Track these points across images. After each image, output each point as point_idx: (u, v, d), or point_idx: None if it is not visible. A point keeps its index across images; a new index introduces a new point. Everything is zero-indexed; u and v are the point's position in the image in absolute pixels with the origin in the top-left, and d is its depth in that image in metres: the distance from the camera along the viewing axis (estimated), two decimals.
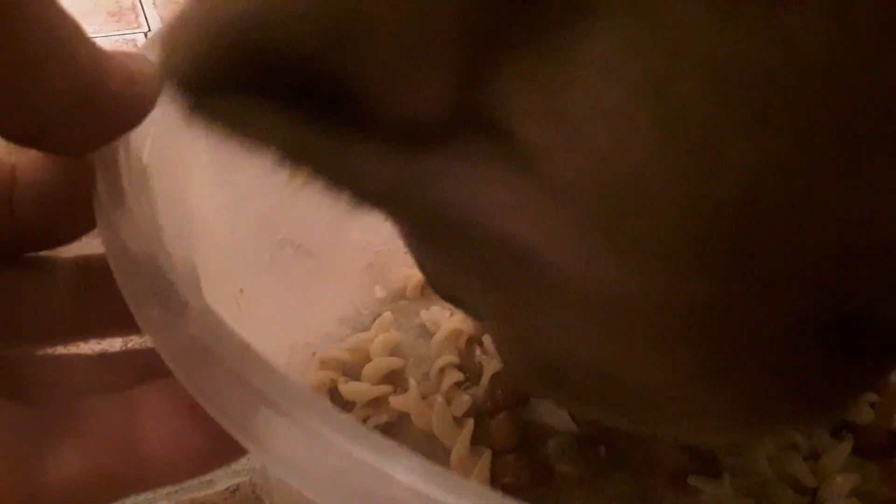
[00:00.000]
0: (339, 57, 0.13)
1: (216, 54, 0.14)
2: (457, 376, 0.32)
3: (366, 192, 0.15)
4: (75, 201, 0.20)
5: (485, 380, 0.32)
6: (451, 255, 0.18)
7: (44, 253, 0.21)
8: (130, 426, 0.16)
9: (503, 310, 0.19)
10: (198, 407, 0.16)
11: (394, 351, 0.33)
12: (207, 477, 0.31)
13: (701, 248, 0.13)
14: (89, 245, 0.21)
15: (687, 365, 0.16)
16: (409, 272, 0.37)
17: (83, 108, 0.17)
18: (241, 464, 0.31)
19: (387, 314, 0.35)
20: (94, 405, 0.17)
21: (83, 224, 0.21)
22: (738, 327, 0.15)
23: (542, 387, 0.21)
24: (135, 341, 0.30)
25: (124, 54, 0.19)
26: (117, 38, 0.55)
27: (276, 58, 0.14)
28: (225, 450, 0.17)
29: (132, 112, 0.19)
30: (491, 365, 0.32)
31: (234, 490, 0.30)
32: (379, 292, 0.36)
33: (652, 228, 0.13)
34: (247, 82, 0.14)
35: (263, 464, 0.30)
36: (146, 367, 0.18)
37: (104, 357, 0.21)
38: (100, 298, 0.22)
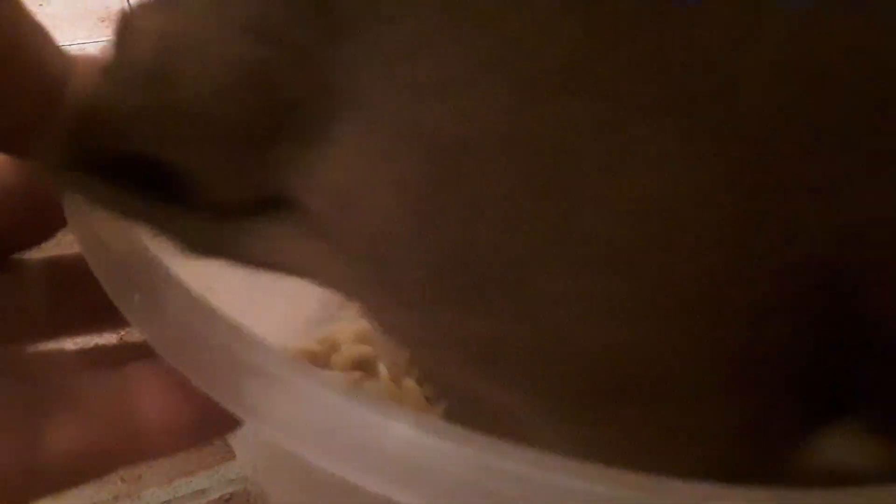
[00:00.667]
0: (159, 147, 0.17)
1: (69, 140, 0.18)
2: None
3: (192, 246, 0.18)
4: (43, 202, 0.20)
5: None
6: None
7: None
8: (124, 400, 0.17)
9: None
10: (188, 382, 0.17)
11: (363, 340, 0.34)
12: (201, 486, 0.31)
13: (463, 288, 0.15)
14: (59, 245, 0.22)
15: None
16: None
17: (50, 111, 0.18)
18: (235, 472, 0.32)
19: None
20: (88, 381, 0.17)
21: (52, 224, 0.21)
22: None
23: None
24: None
25: (87, 57, 0.19)
26: (108, 43, 0.54)
27: (112, 145, 0.17)
28: (218, 421, 0.17)
29: None
30: None
31: (228, 499, 0.31)
32: None
33: (408, 275, 0.16)
34: (92, 162, 0.18)
35: (254, 463, 0.30)
36: (130, 354, 0.19)
37: (86, 350, 0.21)
38: (72, 298, 0.22)
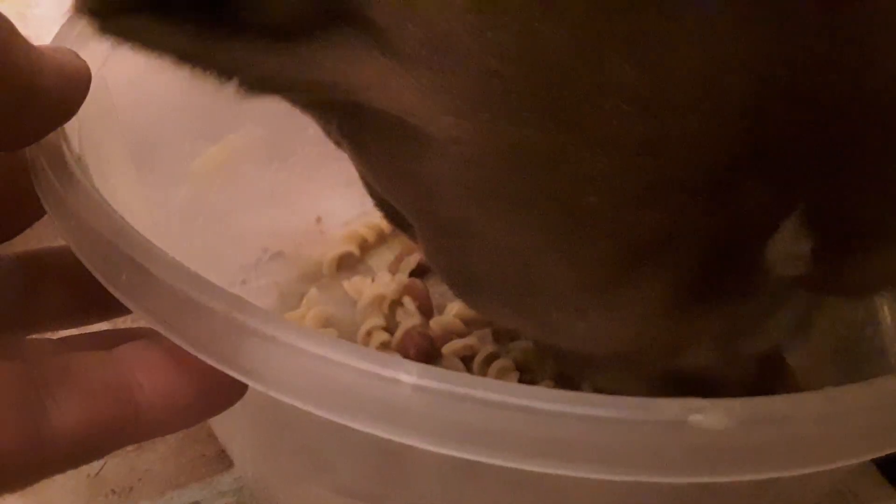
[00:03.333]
0: None
1: None
2: (383, 336, 0.34)
3: (251, 79, 0.18)
4: (17, 195, 0.20)
5: (398, 335, 0.34)
6: (365, 148, 0.20)
7: None
8: (124, 378, 0.17)
9: (413, 203, 0.21)
10: (186, 360, 0.17)
11: (325, 323, 0.35)
12: (194, 498, 0.31)
13: (521, 95, 0.16)
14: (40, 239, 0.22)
15: (537, 225, 0.18)
16: (322, 250, 0.38)
17: (19, 105, 0.18)
18: (228, 484, 0.32)
19: (312, 291, 0.36)
20: (86, 360, 0.17)
21: (26, 216, 0.21)
22: (574, 183, 0.16)
23: (464, 292, 0.23)
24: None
25: (53, 49, 0.19)
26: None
27: None
28: (216, 397, 0.18)
29: (66, 105, 0.19)
30: (407, 322, 0.34)
31: None
32: (297, 271, 0.37)
33: (470, 79, 0.16)
34: (141, 4, 0.17)
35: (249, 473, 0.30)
36: (120, 339, 0.19)
37: (75, 336, 0.21)
38: (47, 291, 0.22)
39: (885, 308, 0.27)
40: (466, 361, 0.34)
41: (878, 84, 0.15)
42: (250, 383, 0.16)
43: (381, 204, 0.24)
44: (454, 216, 0.19)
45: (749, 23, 0.14)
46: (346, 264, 0.38)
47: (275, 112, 0.21)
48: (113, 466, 0.32)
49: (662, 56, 0.15)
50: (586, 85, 0.15)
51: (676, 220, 0.17)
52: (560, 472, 0.15)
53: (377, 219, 0.37)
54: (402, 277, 0.36)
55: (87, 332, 0.21)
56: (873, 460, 0.32)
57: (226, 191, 0.32)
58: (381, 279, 0.36)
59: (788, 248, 0.17)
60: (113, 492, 0.31)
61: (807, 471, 0.15)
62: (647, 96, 0.15)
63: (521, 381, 0.33)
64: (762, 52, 0.15)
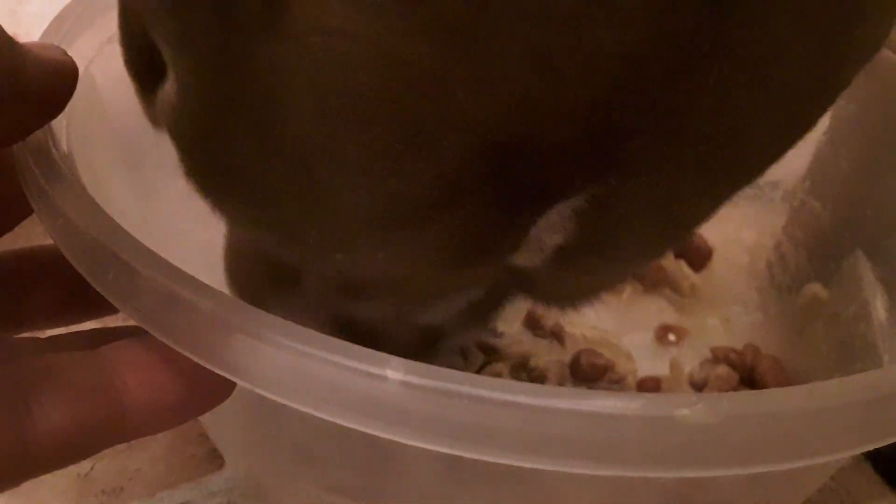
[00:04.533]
0: None
1: None
2: None
3: None
4: (3, 193, 0.20)
5: None
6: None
7: None
8: (110, 378, 0.17)
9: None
10: (172, 359, 0.17)
11: None
12: (184, 498, 0.31)
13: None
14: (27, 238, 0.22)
15: (365, 142, 0.16)
16: None
17: (5, 102, 0.18)
18: (218, 484, 0.31)
19: None
20: (72, 360, 0.17)
21: (13, 215, 0.21)
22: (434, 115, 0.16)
23: (213, 180, 0.20)
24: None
25: (40, 45, 0.19)
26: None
27: None
28: (204, 395, 0.18)
29: (53, 102, 0.19)
30: None
31: None
32: None
33: None
34: None
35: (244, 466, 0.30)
36: (105, 338, 0.19)
37: (60, 335, 0.21)
38: (33, 291, 0.22)
39: (878, 304, 0.27)
40: None
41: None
42: (237, 381, 0.16)
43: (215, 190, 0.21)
44: (275, 107, 0.17)
45: None
46: None
47: None
48: (103, 467, 0.32)
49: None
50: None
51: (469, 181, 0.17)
52: (547, 467, 0.15)
53: None
54: None
55: (75, 331, 0.21)
56: (866, 457, 0.32)
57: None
58: None
59: (541, 234, 0.18)
60: (103, 492, 0.31)
61: (794, 465, 0.15)
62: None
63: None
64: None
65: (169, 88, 0.18)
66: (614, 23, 0.14)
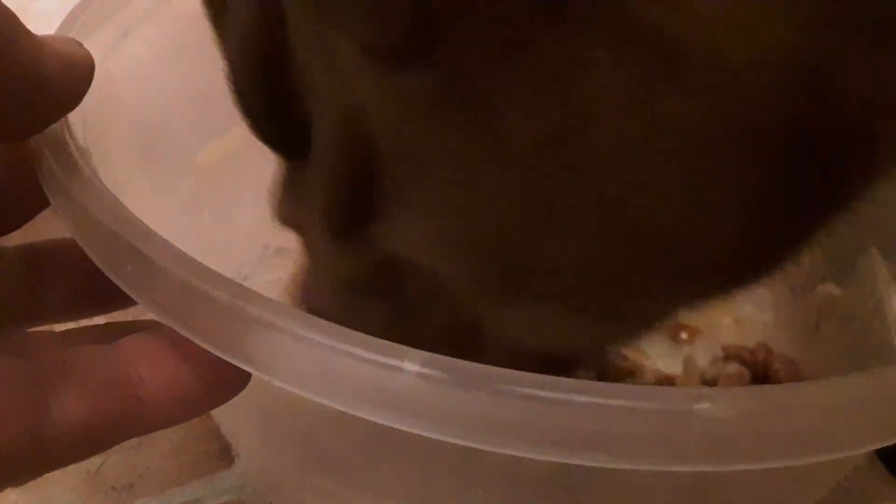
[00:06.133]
0: None
1: None
2: None
3: None
4: (19, 186, 0.20)
5: None
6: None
7: None
8: (126, 371, 0.17)
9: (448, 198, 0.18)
10: (187, 352, 0.17)
11: None
12: (194, 495, 0.31)
13: None
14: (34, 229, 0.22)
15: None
16: None
17: (23, 95, 0.18)
18: (229, 481, 0.31)
19: None
20: (87, 353, 0.17)
21: (29, 208, 0.21)
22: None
23: (498, 291, 0.20)
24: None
25: (56, 39, 0.19)
26: None
27: None
28: (220, 387, 0.18)
29: (69, 95, 0.19)
30: None
31: None
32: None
33: None
34: None
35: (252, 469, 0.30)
36: (119, 332, 0.19)
37: (75, 329, 0.21)
38: (48, 284, 0.22)
39: (893, 302, 0.27)
40: None
41: None
42: (254, 372, 0.16)
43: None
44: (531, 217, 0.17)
45: None
46: None
47: None
48: (113, 463, 0.32)
49: None
50: None
51: None
52: (565, 460, 0.15)
53: None
54: None
55: (90, 325, 0.21)
56: (880, 457, 0.32)
57: (230, 184, 0.32)
58: None
59: None
60: (113, 488, 0.31)
61: (812, 460, 0.15)
62: None
63: None
64: None
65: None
66: None
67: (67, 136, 0.20)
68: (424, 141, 0.17)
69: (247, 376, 0.18)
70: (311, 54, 0.18)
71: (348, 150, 0.18)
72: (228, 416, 0.26)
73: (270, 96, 0.19)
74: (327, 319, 0.16)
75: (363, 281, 0.21)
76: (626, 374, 0.32)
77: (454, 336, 0.20)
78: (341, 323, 0.16)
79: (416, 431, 0.15)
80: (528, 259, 0.18)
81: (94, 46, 0.20)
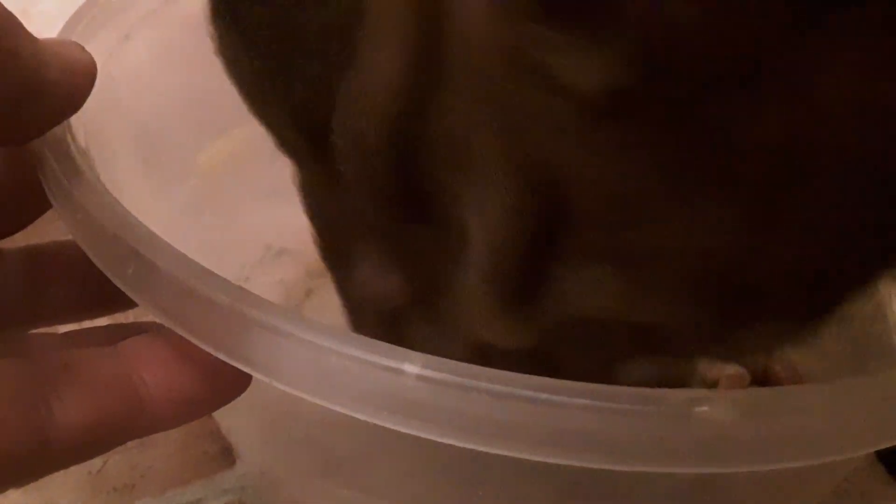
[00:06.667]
0: None
1: None
2: None
3: None
4: (21, 189, 0.21)
5: None
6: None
7: None
8: (128, 373, 0.17)
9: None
10: (189, 353, 0.17)
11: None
12: (196, 496, 0.31)
13: None
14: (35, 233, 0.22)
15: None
16: None
17: (25, 99, 0.18)
18: (230, 482, 0.31)
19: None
20: (90, 356, 0.17)
21: (31, 211, 0.21)
22: None
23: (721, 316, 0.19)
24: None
25: (58, 42, 0.19)
26: None
27: None
28: (221, 389, 0.18)
29: (71, 98, 0.19)
30: None
31: None
32: (302, 268, 0.37)
33: None
34: None
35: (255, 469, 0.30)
36: (121, 334, 0.19)
37: (76, 331, 0.21)
38: (50, 286, 0.22)
39: (894, 304, 0.27)
40: None
41: None
42: (255, 374, 0.16)
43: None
44: None
45: None
46: None
47: None
48: (115, 464, 0.32)
49: None
50: None
51: None
52: (565, 462, 0.15)
53: None
54: None
55: (92, 326, 0.22)
56: (880, 458, 0.32)
57: (231, 186, 0.32)
58: None
59: None
60: (115, 489, 0.31)
61: (812, 462, 0.15)
62: None
63: None
64: None
65: None
66: None
67: (69, 139, 0.20)
68: (644, 185, 0.16)
69: (248, 378, 0.18)
70: (468, 128, 0.17)
71: (530, 213, 0.17)
72: (230, 418, 0.26)
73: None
74: None
75: (526, 351, 0.21)
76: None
77: None
78: None
79: (416, 433, 0.15)
80: (746, 277, 0.18)
81: (96, 49, 0.20)
